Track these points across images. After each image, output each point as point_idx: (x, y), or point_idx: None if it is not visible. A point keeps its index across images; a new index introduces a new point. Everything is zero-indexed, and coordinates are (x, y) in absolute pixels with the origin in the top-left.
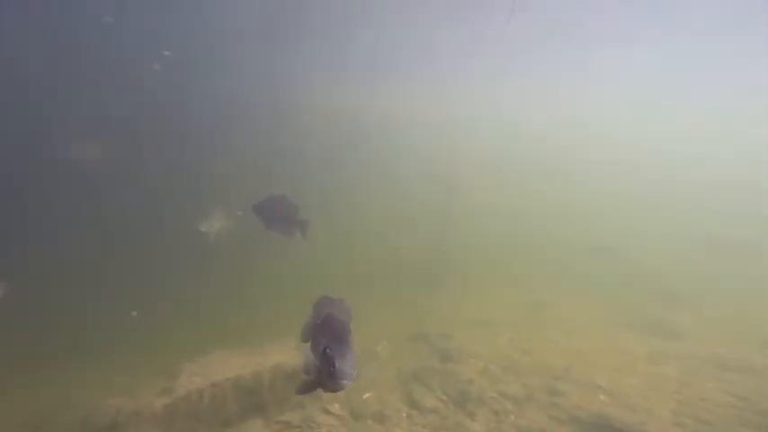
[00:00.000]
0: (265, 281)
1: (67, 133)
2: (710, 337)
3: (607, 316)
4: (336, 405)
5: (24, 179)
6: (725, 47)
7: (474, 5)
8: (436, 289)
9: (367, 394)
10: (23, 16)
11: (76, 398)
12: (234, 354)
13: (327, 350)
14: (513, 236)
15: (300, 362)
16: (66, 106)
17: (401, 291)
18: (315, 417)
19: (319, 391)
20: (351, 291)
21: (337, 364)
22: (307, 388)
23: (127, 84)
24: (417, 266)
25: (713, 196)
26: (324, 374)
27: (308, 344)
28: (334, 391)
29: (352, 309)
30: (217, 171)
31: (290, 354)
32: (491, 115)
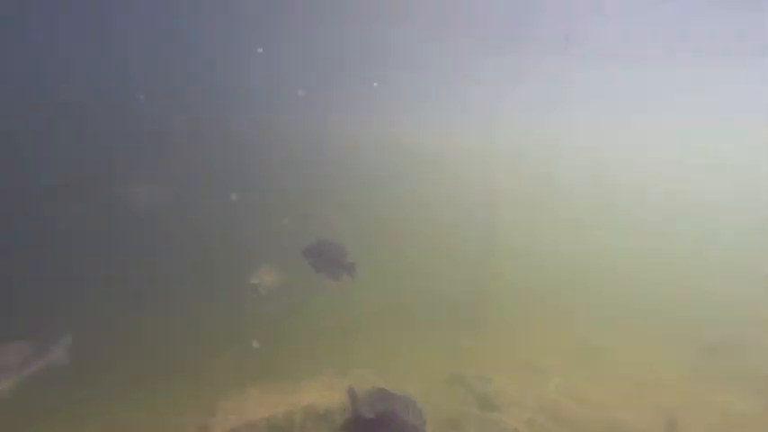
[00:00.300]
0: (304, 316)
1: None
2: None
3: (685, 360)
4: None
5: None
6: None
7: (524, 37)
8: (478, 329)
9: None
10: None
11: None
12: (268, 391)
13: None
14: (563, 277)
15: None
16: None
17: (440, 330)
18: None
19: None
20: (387, 328)
21: None
22: None
23: None
24: (458, 305)
25: None
26: None
27: None
28: None
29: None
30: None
31: (324, 393)
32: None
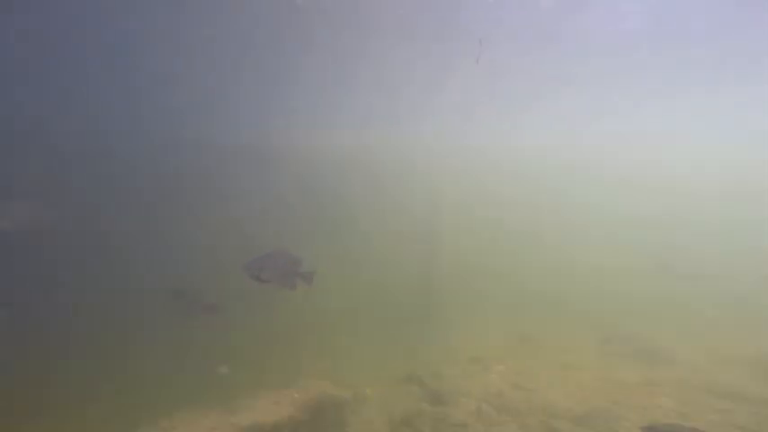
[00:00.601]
0: (251, 326)
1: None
2: (699, 362)
3: (597, 346)
4: None
5: None
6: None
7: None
8: (425, 324)
9: None
10: None
11: None
12: (204, 413)
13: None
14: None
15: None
16: None
17: (390, 329)
18: None
19: None
20: (340, 331)
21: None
22: None
23: None
24: (405, 302)
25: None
26: None
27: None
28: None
29: None
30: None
31: (270, 408)
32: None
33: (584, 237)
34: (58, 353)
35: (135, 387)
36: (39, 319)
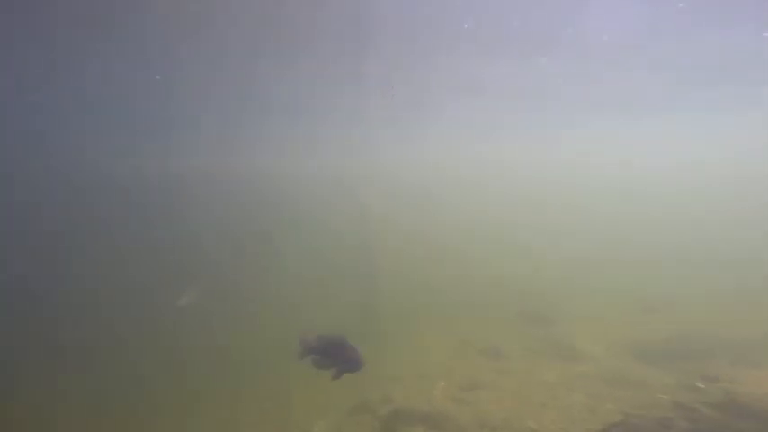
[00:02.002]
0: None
1: None
2: (599, 353)
3: (523, 347)
4: None
5: None
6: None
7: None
8: (370, 344)
9: None
10: None
11: None
12: None
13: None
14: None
15: None
16: None
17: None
18: None
19: None
20: (278, 365)
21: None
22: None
23: None
24: (345, 324)
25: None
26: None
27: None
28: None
29: None
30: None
31: None
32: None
33: (501, 245)
34: None
35: None
36: None
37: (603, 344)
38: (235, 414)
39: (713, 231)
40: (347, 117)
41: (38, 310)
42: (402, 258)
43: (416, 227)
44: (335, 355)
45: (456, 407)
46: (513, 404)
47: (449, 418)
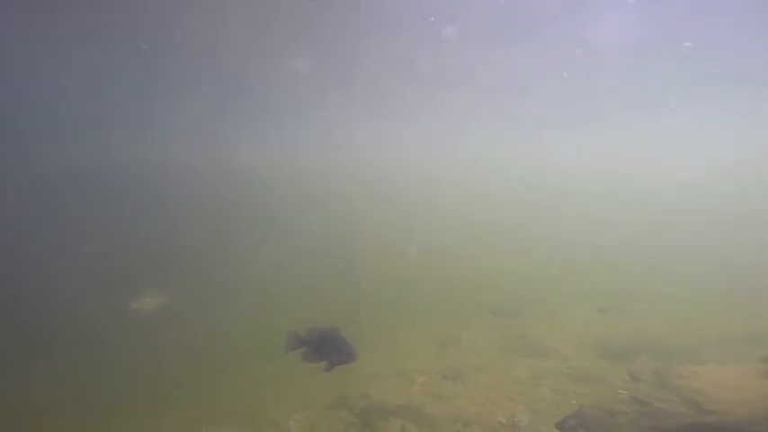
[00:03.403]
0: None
1: None
2: (566, 351)
3: (499, 345)
4: None
5: None
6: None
7: None
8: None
9: None
10: None
11: None
12: None
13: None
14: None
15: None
16: None
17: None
18: None
19: None
20: (257, 361)
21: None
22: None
23: None
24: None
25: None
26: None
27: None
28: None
29: None
30: None
31: None
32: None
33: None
34: None
35: None
36: None
37: (571, 342)
38: (210, 410)
39: (690, 234)
40: (332, 113)
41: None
42: (384, 256)
43: (401, 225)
44: (329, 348)
45: (432, 402)
46: (485, 399)
47: (424, 413)
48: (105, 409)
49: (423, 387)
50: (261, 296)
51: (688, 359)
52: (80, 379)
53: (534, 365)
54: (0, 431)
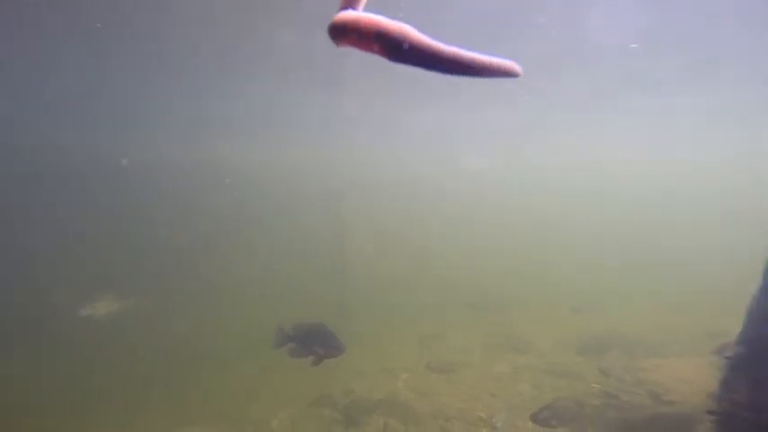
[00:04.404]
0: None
1: None
2: (544, 347)
3: (481, 342)
4: None
5: None
6: None
7: None
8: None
9: None
10: None
11: None
12: None
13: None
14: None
15: None
16: None
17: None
18: None
19: None
20: (242, 358)
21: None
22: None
23: None
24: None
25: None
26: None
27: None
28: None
29: None
30: None
31: None
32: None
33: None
34: None
35: None
36: None
37: (549, 339)
38: (194, 407)
39: (666, 234)
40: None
41: None
42: (370, 256)
43: (390, 226)
44: (316, 342)
45: (415, 398)
46: (468, 395)
47: (408, 410)
48: (81, 407)
49: (406, 383)
50: (247, 296)
51: (654, 354)
52: (52, 378)
53: (513, 361)
54: None
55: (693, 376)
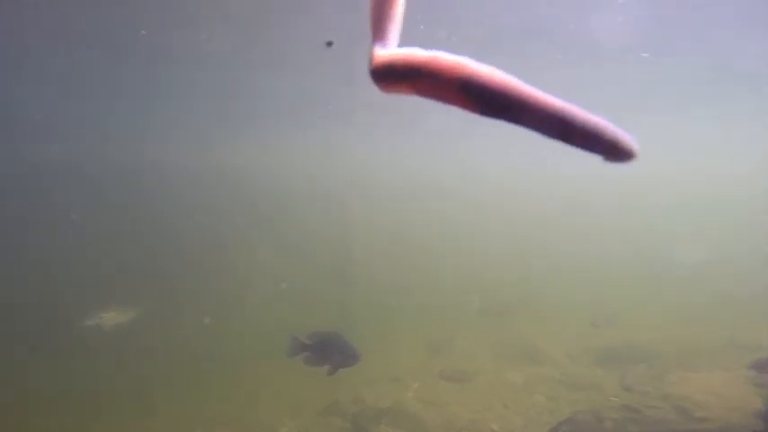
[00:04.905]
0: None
1: None
2: (559, 357)
3: (493, 351)
4: None
5: None
6: None
7: None
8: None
9: None
10: None
11: None
12: None
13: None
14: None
15: None
16: None
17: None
18: None
19: None
20: (250, 364)
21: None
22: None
23: None
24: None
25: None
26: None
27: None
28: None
29: None
30: None
31: None
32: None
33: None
34: None
35: None
36: None
37: (564, 349)
38: (202, 416)
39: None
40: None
41: None
42: (378, 261)
43: (397, 229)
44: (331, 351)
45: (425, 408)
46: (480, 406)
47: (417, 420)
48: (91, 410)
49: (416, 393)
50: (255, 302)
51: (679, 366)
52: (58, 381)
53: (528, 372)
54: None
55: (725, 391)
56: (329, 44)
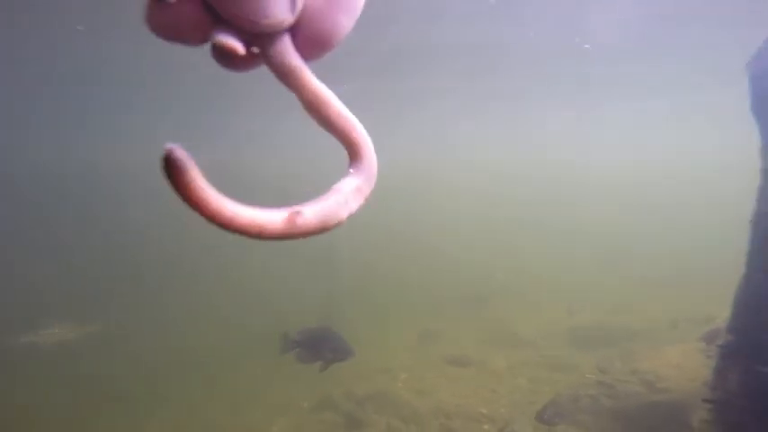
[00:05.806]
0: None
1: None
2: (538, 340)
3: (477, 338)
4: None
5: None
6: None
7: None
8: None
9: None
10: None
11: None
12: None
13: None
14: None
15: None
16: None
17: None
18: None
19: None
20: (240, 363)
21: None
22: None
23: None
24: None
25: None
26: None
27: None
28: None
29: None
30: None
31: None
32: None
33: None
34: None
35: None
36: None
37: (542, 333)
38: (191, 415)
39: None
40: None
41: None
42: (367, 254)
43: (391, 223)
44: (323, 347)
45: (416, 397)
46: (468, 391)
47: (410, 408)
48: (74, 415)
49: (405, 383)
50: (239, 297)
51: (645, 342)
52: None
53: (510, 356)
54: None
55: (683, 362)
56: None
